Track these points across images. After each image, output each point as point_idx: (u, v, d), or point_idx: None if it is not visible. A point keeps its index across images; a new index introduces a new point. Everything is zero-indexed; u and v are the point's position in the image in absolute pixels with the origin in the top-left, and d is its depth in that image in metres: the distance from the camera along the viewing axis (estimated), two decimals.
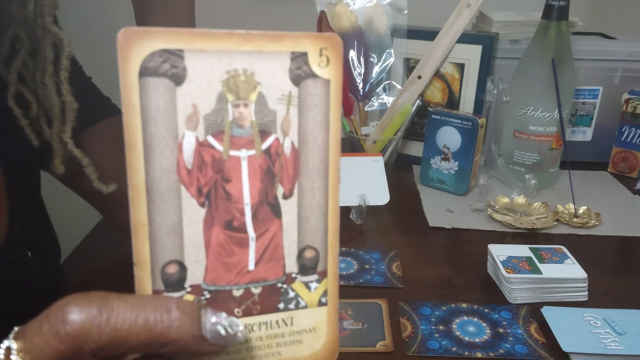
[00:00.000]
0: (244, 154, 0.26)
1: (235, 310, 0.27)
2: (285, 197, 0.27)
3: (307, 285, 0.28)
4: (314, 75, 0.26)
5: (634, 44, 0.92)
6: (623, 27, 1.10)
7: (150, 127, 0.24)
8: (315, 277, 0.28)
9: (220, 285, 0.27)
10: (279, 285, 0.28)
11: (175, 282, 0.26)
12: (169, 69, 0.24)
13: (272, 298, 0.28)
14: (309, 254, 0.28)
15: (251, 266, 0.27)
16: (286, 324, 0.28)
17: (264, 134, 0.26)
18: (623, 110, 0.91)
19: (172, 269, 0.26)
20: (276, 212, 0.27)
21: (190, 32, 0.24)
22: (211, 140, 0.25)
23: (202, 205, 0.26)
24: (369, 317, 0.56)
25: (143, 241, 0.25)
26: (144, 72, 0.23)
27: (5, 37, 0.48)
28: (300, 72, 0.26)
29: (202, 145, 0.25)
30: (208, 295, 0.27)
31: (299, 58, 0.26)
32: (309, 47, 0.26)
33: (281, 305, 0.28)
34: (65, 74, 0.49)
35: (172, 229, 0.25)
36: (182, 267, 0.26)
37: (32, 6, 0.46)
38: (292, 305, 0.28)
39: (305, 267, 0.28)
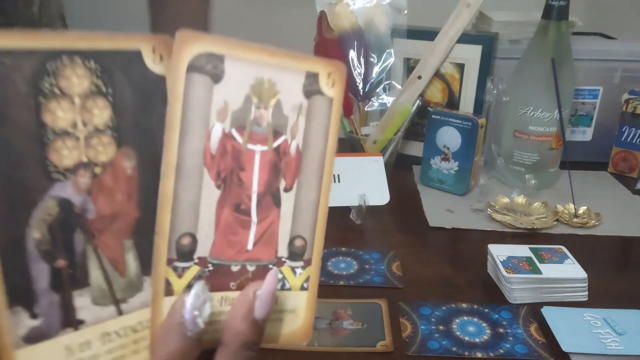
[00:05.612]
0: (258, 148, 0.30)
1: (231, 284, 0.31)
2: (286, 190, 0.31)
3: (293, 270, 0.32)
4: (321, 93, 0.31)
5: (634, 44, 0.92)
6: (623, 27, 1.10)
7: (189, 115, 0.28)
8: (301, 263, 0.32)
9: (222, 259, 0.30)
10: (270, 266, 0.32)
11: (187, 253, 0.29)
12: (211, 69, 0.28)
13: (263, 277, 0.31)
14: (298, 242, 0.32)
15: (250, 246, 0.31)
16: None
17: (276, 134, 0.30)
18: (623, 110, 0.91)
19: (186, 241, 0.29)
20: (277, 202, 0.31)
21: (233, 42, 0.28)
22: (234, 133, 0.29)
23: (218, 187, 0.30)
24: (368, 317, 0.56)
25: (166, 213, 0.28)
26: (191, 68, 0.27)
27: None
28: (311, 88, 0.31)
29: (226, 136, 0.29)
30: (211, 268, 0.30)
31: (312, 77, 0.31)
32: (320, 70, 0.31)
33: None
34: None
35: (191, 204, 0.29)
36: (194, 240, 0.30)
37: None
38: (278, 286, 0.32)
39: (294, 254, 0.32)
